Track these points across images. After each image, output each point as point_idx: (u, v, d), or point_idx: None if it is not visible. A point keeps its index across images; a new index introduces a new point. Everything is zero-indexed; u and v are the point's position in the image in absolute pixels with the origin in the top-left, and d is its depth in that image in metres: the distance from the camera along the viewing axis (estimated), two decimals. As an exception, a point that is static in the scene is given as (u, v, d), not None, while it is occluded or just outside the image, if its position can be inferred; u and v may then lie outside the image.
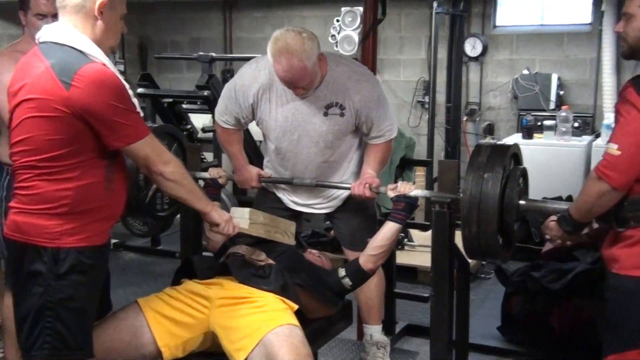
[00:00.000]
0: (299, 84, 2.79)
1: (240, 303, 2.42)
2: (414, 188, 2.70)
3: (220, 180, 3.04)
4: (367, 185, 2.88)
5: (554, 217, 2.41)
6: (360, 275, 2.67)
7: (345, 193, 3.08)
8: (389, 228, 2.67)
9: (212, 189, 3.01)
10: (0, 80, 2.68)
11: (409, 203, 2.69)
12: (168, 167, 2.22)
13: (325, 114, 2.92)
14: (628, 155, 2.03)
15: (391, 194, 2.72)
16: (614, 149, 2.04)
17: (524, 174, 2.61)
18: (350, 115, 2.93)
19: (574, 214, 2.27)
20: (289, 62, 2.70)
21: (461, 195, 2.48)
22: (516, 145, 2.65)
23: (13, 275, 2.18)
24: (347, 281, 2.65)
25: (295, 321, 2.36)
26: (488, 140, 6.71)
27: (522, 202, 2.52)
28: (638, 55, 2.22)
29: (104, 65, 2.08)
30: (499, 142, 2.67)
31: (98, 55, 2.09)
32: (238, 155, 3.21)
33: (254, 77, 2.97)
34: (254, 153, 5.05)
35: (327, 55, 2.92)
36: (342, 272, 2.66)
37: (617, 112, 2.10)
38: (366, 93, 2.92)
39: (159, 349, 2.35)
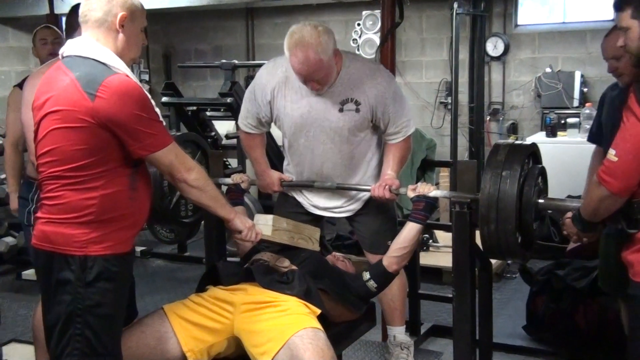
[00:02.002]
0: (314, 76, 2.82)
1: (263, 307, 2.45)
2: (434, 189, 2.74)
3: (243, 185, 3.09)
4: (386, 187, 2.91)
5: (570, 215, 2.41)
6: (385, 277, 2.70)
7: (364, 196, 3.10)
8: (410, 229, 2.70)
9: (235, 194, 3.05)
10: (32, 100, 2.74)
11: (429, 203, 2.72)
12: (191, 174, 2.26)
13: (341, 110, 2.95)
14: (624, 161, 2.01)
15: (411, 194, 2.75)
16: (612, 154, 2.03)
17: (543, 172, 2.62)
18: (365, 110, 2.95)
19: (583, 213, 2.27)
20: (304, 55, 2.75)
21: (479, 194, 2.50)
22: (534, 145, 2.66)
23: (42, 284, 2.22)
24: (372, 284, 2.68)
25: (319, 325, 2.39)
26: (511, 139, 6.69)
27: (540, 200, 2.53)
28: None
29: (127, 76, 2.13)
30: (517, 142, 2.67)
31: (120, 67, 2.14)
32: (260, 160, 3.25)
33: (271, 75, 3.03)
34: (277, 157, 5.09)
35: (343, 53, 2.97)
36: (366, 275, 2.69)
37: (621, 117, 2.08)
38: (381, 88, 2.94)
39: (184, 354, 2.39)
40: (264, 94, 3.04)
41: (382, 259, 2.72)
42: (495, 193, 2.43)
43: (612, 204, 2.10)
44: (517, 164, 2.46)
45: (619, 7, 2.19)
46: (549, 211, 2.63)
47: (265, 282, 2.53)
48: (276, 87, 3.01)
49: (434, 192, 2.73)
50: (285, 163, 3.29)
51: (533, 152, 2.63)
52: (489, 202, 2.44)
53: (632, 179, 2.03)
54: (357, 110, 2.95)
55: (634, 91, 2.03)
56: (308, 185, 3.15)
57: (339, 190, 3.11)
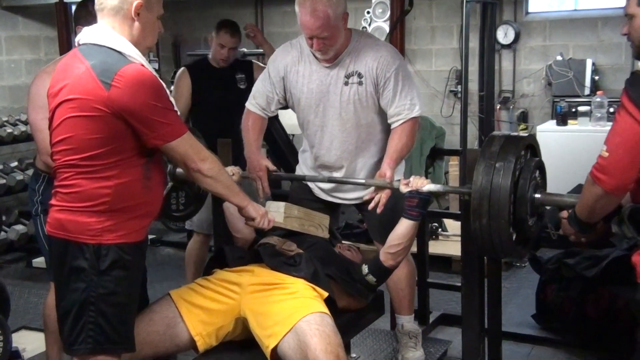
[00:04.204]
0: (320, 32, 2.82)
1: (271, 289, 2.47)
2: (427, 182, 2.63)
3: (234, 178, 3.05)
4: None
5: (566, 214, 2.29)
6: (383, 272, 2.70)
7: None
8: (405, 225, 2.64)
9: None
10: (39, 101, 2.74)
11: (423, 199, 2.62)
12: (206, 164, 2.27)
13: (346, 83, 2.98)
14: (615, 156, 1.93)
15: (404, 189, 2.65)
16: (603, 150, 1.95)
17: (540, 166, 2.48)
18: (368, 83, 2.96)
19: (578, 214, 2.17)
20: (313, 6, 2.78)
21: (472, 187, 2.38)
22: (532, 137, 2.56)
23: (55, 272, 2.24)
24: (371, 278, 2.68)
25: (326, 309, 2.40)
26: (521, 128, 6.68)
27: (537, 195, 2.39)
28: None
29: (142, 65, 2.14)
30: (513, 133, 2.57)
31: (136, 55, 2.15)
32: (252, 143, 3.18)
33: (286, 53, 3.09)
34: (287, 147, 5.10)
35: (352, 29, 3.01)
36: (365, 269, 2.69)
37: (615, 114, 2.01)
38: (383, 61, 2.94)
39: (192, 338, 2.41)
40: (277, 70, 3.08)
41: (379, 253, 2.71)
42: (487, 185, 2.30)
43: (608, 203, 2.01)
44: (512, 156, 2.33)
45: None
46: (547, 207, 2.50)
47: (273, 263, 2.55)
48: (290, 63, 3.05)
49: (427, 187, 2.61)
50: (301, 149, 3.31)
51: (530, 144, 2.51)
52: (480, 195, 2.31)
53: (625, 175, 1.94)
54: (360, 83, 2.96)
55: (625, 86, 1.97)
56: (299, 179, 3.17)
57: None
